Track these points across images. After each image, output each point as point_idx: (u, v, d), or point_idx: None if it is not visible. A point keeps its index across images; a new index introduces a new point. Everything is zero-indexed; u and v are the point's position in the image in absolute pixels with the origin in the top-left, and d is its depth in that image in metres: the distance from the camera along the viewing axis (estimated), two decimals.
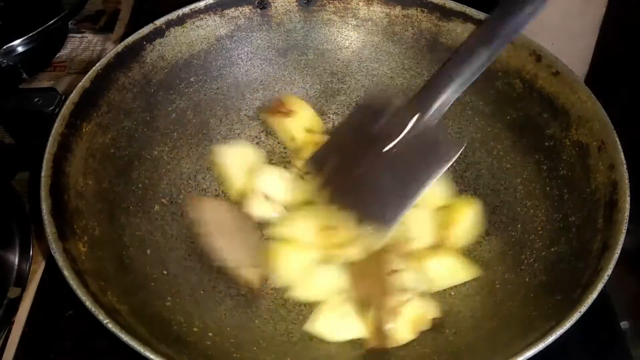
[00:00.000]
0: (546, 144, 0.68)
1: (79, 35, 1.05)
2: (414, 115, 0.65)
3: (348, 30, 0.79)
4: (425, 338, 0.62)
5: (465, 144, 0.67)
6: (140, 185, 0.68)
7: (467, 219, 0.70)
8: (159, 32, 0.71)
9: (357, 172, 0.67)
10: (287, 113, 0.77)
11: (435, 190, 0.72)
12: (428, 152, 0.64)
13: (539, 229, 0.66)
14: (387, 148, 0.66)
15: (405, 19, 0.77)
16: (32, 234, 0.74)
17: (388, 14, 0.77)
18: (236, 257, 0.67)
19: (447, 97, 0.64)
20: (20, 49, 0.90)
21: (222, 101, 0.78)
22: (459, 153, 0.63)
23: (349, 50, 0.80)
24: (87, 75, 0.65)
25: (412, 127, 0.65)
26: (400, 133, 0.65)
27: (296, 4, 0.78)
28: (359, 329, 0.62)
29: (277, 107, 0.78)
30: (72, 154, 0.60)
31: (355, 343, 0.62)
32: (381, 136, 0.67)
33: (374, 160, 0.66)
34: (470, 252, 0.70)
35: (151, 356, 0.47)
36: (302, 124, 0.77)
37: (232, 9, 0.75)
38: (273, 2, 0.77)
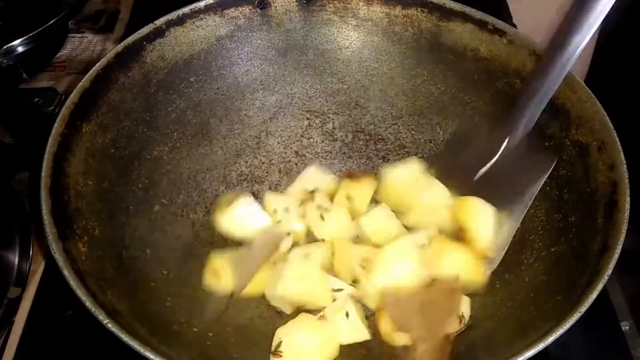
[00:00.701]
0: (546, 144, 0.68)
1: (79, 35, 1.05)
2: (504, 138, 0.67)
3: (348, 30, 0.79)
4: None
5: (557, 158, 0.65)
6: (140, 185, 0.68)
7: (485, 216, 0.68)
8: (159, 32, 0.71)
9: None
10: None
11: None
12: (522, 170, 0.66)
13: (539, 229, 0.66)
14: (480, 173, 0.68)
15: (405, 19, 0.77)
16: (32, 234, 0.74)
17: (388, 14, 0.77)
18: None
19: (532, 113, 0.63)
20: (20, 49, 0.90)
21: (222, 101, 0.78)
22: (554, 164, 0.64)
23: (349, 50, 0.80)
24: (87, 75, 0.65)
25: (504, 150, 0.67)
26: (494, 157, 0.68)
27: (296, 4, 0.78)
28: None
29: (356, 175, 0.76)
30: (72, 154, 0.60)
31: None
32: (474, 163, 0.69)
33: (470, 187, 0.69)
34: None
35: (151, 356, 0.47)
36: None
37: (232, 9, 0.75)
38: (273, 2, 0.77)
